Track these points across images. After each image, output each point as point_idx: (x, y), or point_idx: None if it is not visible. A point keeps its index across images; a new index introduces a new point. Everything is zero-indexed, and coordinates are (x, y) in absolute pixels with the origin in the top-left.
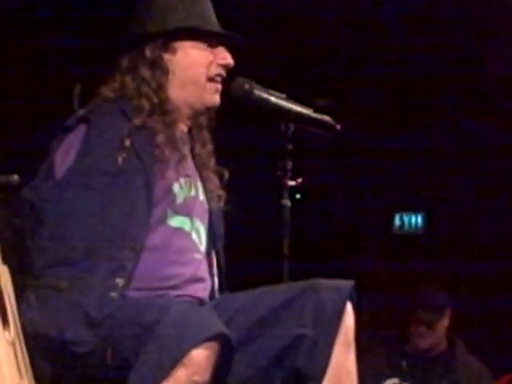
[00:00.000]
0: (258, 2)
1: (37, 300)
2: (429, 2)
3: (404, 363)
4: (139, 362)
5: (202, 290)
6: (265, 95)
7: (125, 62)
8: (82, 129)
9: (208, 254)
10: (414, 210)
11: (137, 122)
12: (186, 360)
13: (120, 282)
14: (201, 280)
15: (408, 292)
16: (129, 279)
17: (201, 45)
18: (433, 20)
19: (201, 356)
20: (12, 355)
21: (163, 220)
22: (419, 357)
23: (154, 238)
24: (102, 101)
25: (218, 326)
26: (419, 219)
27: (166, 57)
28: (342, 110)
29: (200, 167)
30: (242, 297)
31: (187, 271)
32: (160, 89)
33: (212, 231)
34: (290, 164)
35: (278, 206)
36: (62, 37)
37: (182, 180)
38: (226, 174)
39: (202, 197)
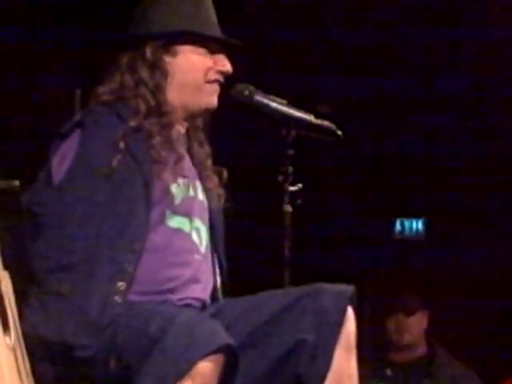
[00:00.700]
0: (259, 8)
1: (39, 305)
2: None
3: (388, 371)
4: (144, 371)
5: (202, 291)
6: (266, 101)
7: (124, 61)
8: (77, 134)
9: (210, 254)
10: (415, 215)
11: (132, 123)
12: (192, 372)
13: (122, 285)
14: (201, 281)
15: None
16: (130, 282)
17: (201, 50)
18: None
19: (207, 368)
20: (13, 360)
21: (162, 221)
22: (402, 364)
23: (154, 240)
24: (98, 104)
25: (224, 338)
26: (420, 224)
27: (167, 59)
28: (342, 116)
29: (198, 167)
30: (243, 302)
31: (187, 272)
32: (157, 90)
33: (213, 231)
34: (291, 169)
35: (278, 212)
36: (63, 43)
37: (179, 181)
38: (225, 173)
39: (201, 196)
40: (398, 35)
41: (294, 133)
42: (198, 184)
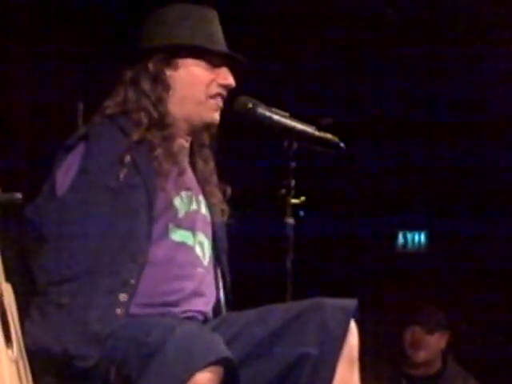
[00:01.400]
0: (262, 20)
1: (40, 316)
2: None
3: (404, 382)
4: (143, 382)
5: (204, 305)
6: (268, 113)
7: (128, 75)
8: (81, 147)
9: (213, 268)
10: (418, 227)
11: (135, 136)
12: (190, 383)
13: (123, 297)
14: (204, 294)
15: (409, 310)
16: (132, 295)
17: (203, 63)
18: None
19: (205, 379)
20: (15, 373)
21: (165, 234)
22: (417, 377)
23: (157, 253)
24: (102, 118)
25: (223, 350)
26: (422, 237)
27: (168, 72)
28: (345, 129)
29: (202, 182)
30: (246, 315)
31: (190, 285)
32: (159, 103)
33: (216, 245)
34: (293, 182)
35: (281, 224)
36: (66, 56)
37: (182, 194)
38: (229, 190)
39: (204, 211)
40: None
41: (296, 145)
42: (202, 198)
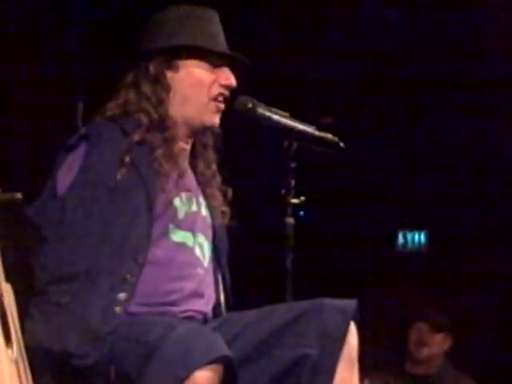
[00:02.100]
0: (261, 20)
1: (40, 315)
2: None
3: (404, 381)
4: (142, 381)
5: (204, 305)
6: (268, 113)
7: (129, 77)
8: (82, 147)
9: (213, 269)
10: (418, 227)
11: (135, 137)
12: (189, 381)
13: (122, 296)
14: (203, 295)
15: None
16: (131, 294)
17: (204, 64)
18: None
19: (204, 378)
20: (15, 373)
21: (165, 234)
22: (418, 375)
23: (157, 253)
24: (103, 119)
25: (222, 349)
26: (422, 237)
27: (169, 74)
28: (345, 128)
29: (203, 185)
30: (246, 316)
31: (189, 286)
32: (160, 105)
33: (216, 247)
34: (293, 182)
35: (281, 224)
36: (66, 56)
37: (182, 195)
38: (230, 192)
39: (204, 212)
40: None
41: (296, 145)
42: (202, 200)
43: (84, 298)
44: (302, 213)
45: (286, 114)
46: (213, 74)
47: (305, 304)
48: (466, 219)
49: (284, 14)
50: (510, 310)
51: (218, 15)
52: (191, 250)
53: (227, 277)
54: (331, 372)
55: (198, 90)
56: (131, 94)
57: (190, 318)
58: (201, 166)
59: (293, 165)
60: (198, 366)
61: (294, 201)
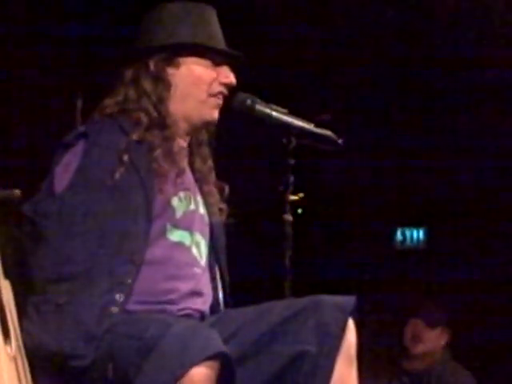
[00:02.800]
0: (260, 16)
1: (37, 315)
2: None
3: (405, 379)
4: (140, 378)
5: (202, 304)
6: (267, 110)
7: (129, 74)
8: (80, 145)
9: (210, 268)
10: (416, 224)
11: (134, 136)
12: (186, 378)
13: (120, 297)
14: (201, 294)
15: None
16: (128, 294)
17: (205, 62)
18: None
19: (201, 374)
20: (14, 370)
21: (163, 234)
22: (413, 371)
23: (154, 252)
24: (102, 116)
25: (219, 346)
26: (421, 234)
27: (170, 71)
28: (343, 125)
29: (200, 182)
30: (244, 312)
31: (187, 286)
32: (160, 102)
33: (214, 245)
34: (291, 179)
35: (279, 221)
36: (65, 53)
37: (181, 194)
38: (227, 188)
39: (202, 210)
40: (399, 44)
41: (294, 142)
42: (199, 198)
43: (81, 299)
44: (300, 210)
45: (285, 111)
46: (213, 71)
47: (303, 301)
48: (464, 216)
49: (283, 9)
50: (509, 307)
51: (216, 12)
52: (188, 249)
53: (225, 274)
54: (330, 369)
55: (198, 87)
56: (131, 91)
57: (187, 316)
58: (197, 162)
59: (291, 161)
60: (195, 363)
61: (293, 198)
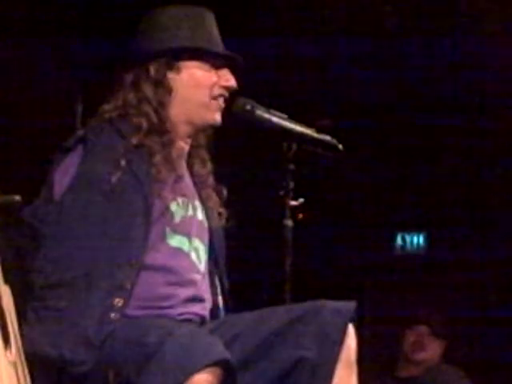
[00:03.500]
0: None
1: (37, 320)
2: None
3: None
4: (142, 383)
5: (202, 309)
6: (266, 115)
7: (128, 79)
8: (79, 150)
9: (210, 273)
10: (416, 229)
11: (133, 141)
12: None
13: (119, 302)
14: (201, 300)
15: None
16: (128, 299)
17: (205, 65)
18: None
19: (203, 381)
20: (13, 375)
21: (163, 239)
22: (410, 379)
23: (155, 258)
24: (101, 121)
25: (221, 352)
26: (421, 239)
27: (170, 75)
28: (344, 131)
29: (199, 186)
30: (244, 318)
31: (187, 292)
32: (161, 107)
33: (213, 250)
34: (291, 184)
35: (279, 226)
36: (65, 58)
37: (179, 199)
38: (225, 192)
39: (200, 216)
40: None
41: (294, 147)
42: (198, 203)
43: (80, 304)
44: (300, 215)
45: (285, 116)
46: (214, 75)
47: (303, 306)
48: (464, 221)
49: (283, 14)
50: (508, 312)
51: (215, 15)
52: (187, 255)
53: (225, 279)
54: (329, 374)
55: (199, 91)
56: (130, 96)
57: (187, 321)
58: (196, 165)
59: (291, 167)
60: (197, 369)
61: (293, 203)
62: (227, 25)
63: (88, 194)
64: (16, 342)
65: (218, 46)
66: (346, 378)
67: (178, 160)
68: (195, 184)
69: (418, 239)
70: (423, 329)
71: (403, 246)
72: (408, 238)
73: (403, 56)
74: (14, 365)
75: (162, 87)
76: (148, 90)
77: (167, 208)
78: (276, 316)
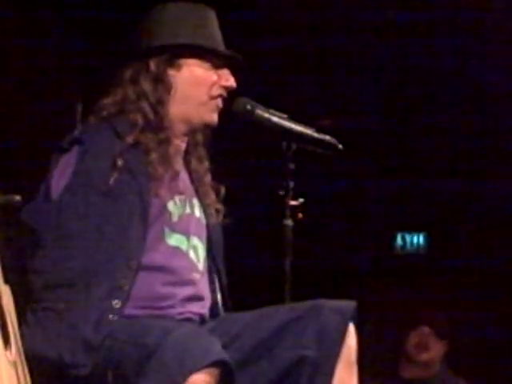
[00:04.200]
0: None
1: (36, 322)
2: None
3: None
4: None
5: (201, 308)
6: (267, 115)
7: (128, 74)
8: (75, 150)
9: (208, 271)
10: (416, 229)
11: (129, 139)
12: None
13: (117, 303)
14: (200, 298)
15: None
16: (126, 300)
17: (206, 64)
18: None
19: (201, 381)
20: (13, 375)
21: (161, 238)
22: (413, 379)
23: (153, 258)
24: (98, 119)
25: (219, 352)
26: (421, 238)
27: (170, 72)
28: (344, 130)
29: (196, 183)
30: (244, 317)
31: (186, 291)
32: (159, 104)
33: (211, 247)
34: (291, 184)
35: (279, 226)
36: (65, 56)
37: (176, 198)
38: (223, 190)
39: (198, 213)
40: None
41: (294, 147)
42: (195, 201)
43: (79, 306)
44: (300, 215)
45: (285, 116)
46: (214, 74)
47: (303, 305)
48: (464, 221)
49: (283, 13)
50: (509, 311)
51: (216, 13)
52: (186, 254)
53: (223, 276)
54: (330, 374)
55: (199, 89)
56: (130, 92)
57: (187, 320)
58: (194, 162)
59: (291, 166)
60: (195, 370)
61: (293, 203)
62: (228, 23)
63: (85, 195)
64: (16, 342)
65: (220, 45)
66: (346, 377)
67: (175, 157)
68: (192, 181)
69: (418, 239)
70: (426, 330)
71: (403, 246)
72: (408, 238)
73: (404, 55)
74: (14, 364)
75: (162, 83)
76: (147, 85)
77: (165, 207)
78: (276, 315)
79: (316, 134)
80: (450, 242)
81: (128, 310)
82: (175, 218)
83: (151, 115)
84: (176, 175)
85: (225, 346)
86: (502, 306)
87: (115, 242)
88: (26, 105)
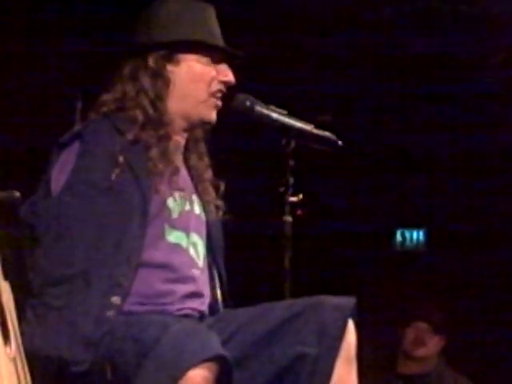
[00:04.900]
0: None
1: (35, 318)
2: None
3: (398, 382)
4: (138, 379)
5: (200, 305)
6: (266, 111)
7: (127, 70)
8: (76, 145)
9: (208, 267)
10: (416, 225)
11: (130, 136)
12: (184, 380)
13: (116, 300)
14: (200, 295)
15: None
16: (125, 296)
17: (205, 59)
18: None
19: (198, 376)
20: (13, 371)
21: (161, 235)
22: (411, 375)
23: (153, 254)
24: (98, 115)
25: (217, 348)
26: (421, 235)
27: (169, 68)
28: (343, 126)
29: (196, 179)
30: (244, 314)
31: (186, 288)
32: (158, 99)
33: (211, 244)
34: (291, 180)
35: (279, 222)
36: (64, 54)
37: (176, 194)
38: (222, 186)
39: (198, 210)
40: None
41: (294, 143)
42: (195, 197)
43: (79, 303)
44: (299, 211)
45: (284, 112)
46: (213, 69)
47: (303, 302)
48: (464, 217)
49: (282, 10)
50: (508, 309)
51: (215, 9)
52: (185, 251)
53: (223, 273)
54: (329, 370)
55: (198, 85)
56: (129, 88)
57: (186, 316)
58: (193, 158)
59: (291, 163)
60: (193, 365)
61: (293, 199)
62: (227, 20)
63: (85, 192)
64: (16, 339)
65: (218, 41)
66: (345, 373)
67: (175, 153)
68: (192, 177)
69: (417, 235)
70: (423, 325)
71: (403, 243)
72: (408, 235)
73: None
74: (14, 361)
75: (161, 79)
76: (146, 81)
77: (164, 204)
78: (275, 311)
79: (316, 130)
80: (449, 238)
81: (127, 307)
82: (175, 215)
83: (151, 111)
84: (176, 171)
85: (224, 343)
86: (502, 303)
87: (115, 239)
88: (25, 102)
